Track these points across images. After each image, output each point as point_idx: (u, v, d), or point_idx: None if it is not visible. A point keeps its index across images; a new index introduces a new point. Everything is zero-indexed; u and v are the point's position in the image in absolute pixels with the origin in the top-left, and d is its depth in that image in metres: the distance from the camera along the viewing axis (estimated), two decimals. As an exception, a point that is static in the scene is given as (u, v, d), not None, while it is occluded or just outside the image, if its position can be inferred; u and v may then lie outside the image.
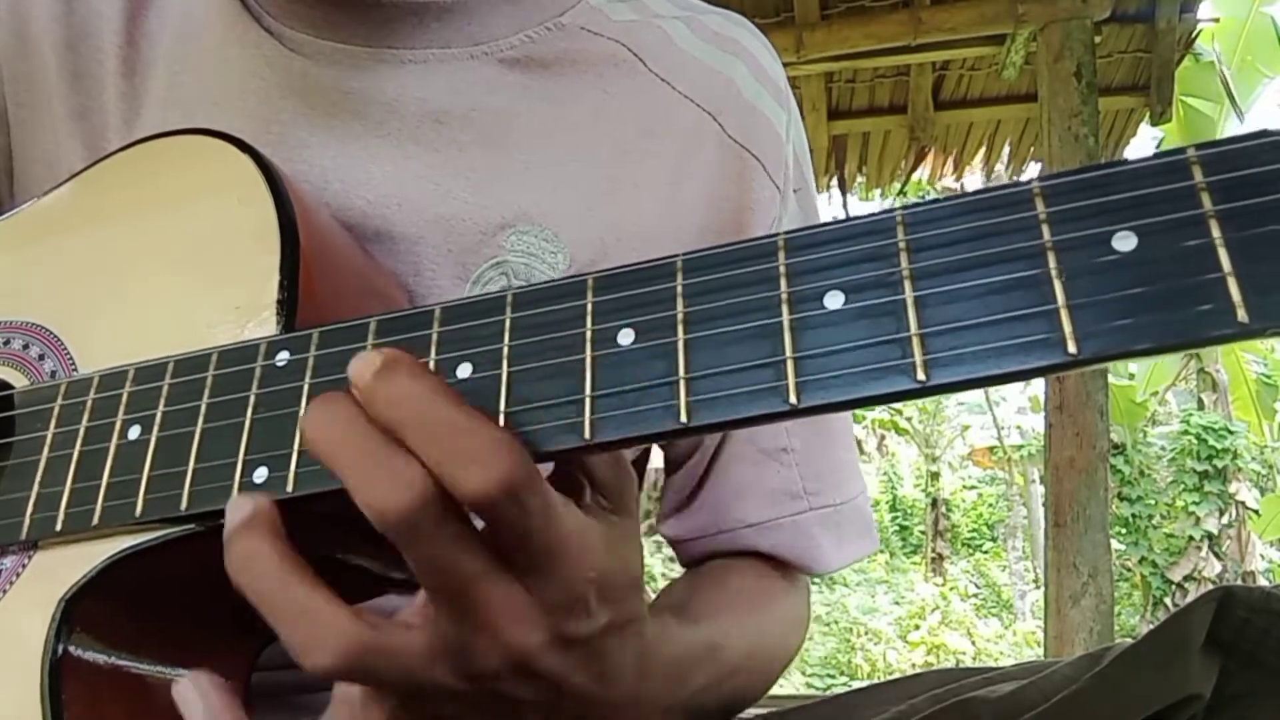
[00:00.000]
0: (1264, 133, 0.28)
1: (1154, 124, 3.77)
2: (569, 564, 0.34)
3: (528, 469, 0.32)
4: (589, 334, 0.34)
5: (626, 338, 0.34)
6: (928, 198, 0.39)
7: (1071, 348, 0.28)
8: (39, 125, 0.60)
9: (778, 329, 0.32)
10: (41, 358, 0.48)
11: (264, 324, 0.43)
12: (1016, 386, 11.83)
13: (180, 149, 0.50)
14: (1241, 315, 0.26)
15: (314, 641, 0.32)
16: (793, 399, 0.31)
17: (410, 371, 0.32)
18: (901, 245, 0.31)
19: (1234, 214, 0.27)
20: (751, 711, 0.58)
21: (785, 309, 0.32)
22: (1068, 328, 0.28)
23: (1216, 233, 0.27)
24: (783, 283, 0.32)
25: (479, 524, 0.33)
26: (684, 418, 0.32)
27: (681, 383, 0.33)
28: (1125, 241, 0.28)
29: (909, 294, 0.31)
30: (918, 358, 0.30)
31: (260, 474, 0.38)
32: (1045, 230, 0.29)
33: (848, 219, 0.33)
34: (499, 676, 0.35)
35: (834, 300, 0.32)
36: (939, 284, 0.30)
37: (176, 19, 0.60)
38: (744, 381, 0.32)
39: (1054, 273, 0.29)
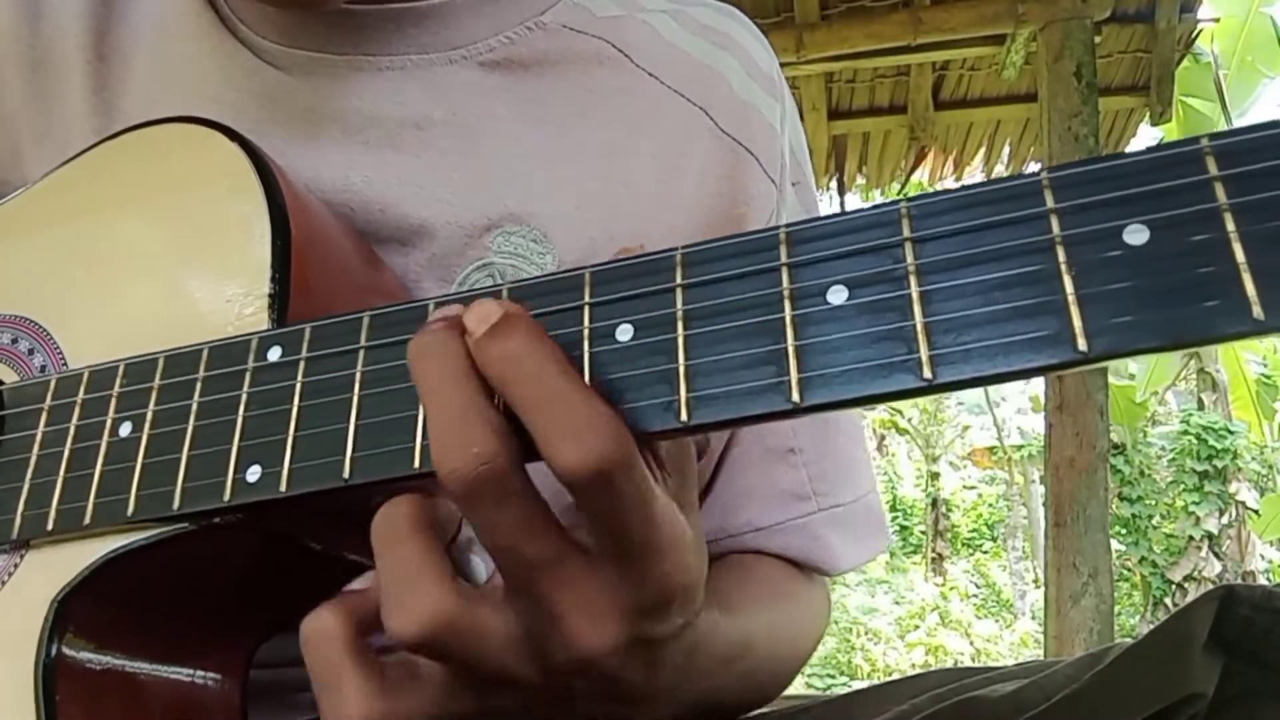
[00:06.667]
0: (1277, 123, 0.27)
1: (1154, 124, 3.77)
2: (664, 561, 0.33)
3: (625, 451, 0.31)
4: (586, 330, 0.34)
5: (625, 334, 0.33)
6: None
7: (1082, 345, 0.27)
8: (3, 147, 0.60)
9: (780, 325, 0.31)
10: (31, 352, 0.48)
11: (256, 317, 0.43)
12: (1017, 386, 11.84)
13: (167, 137, 0.50)
14: (1257, 312, 0.26)
15: (404, 605, 0.32)
16: (795, 397, 0.30)
17: (529, 331, 0.32)
18: (906, 238, 0.31)
19: (1250, 207, 0.26)
20: (753, 711, 0.58)
21: (787, 304, 0.31)
22: (1078, 324, 0.27)
23: (1231, 226, 0.26)
24: (785, 278, 0.32)
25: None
26: (684, 416, 0.31)
27: (681, 380, 0.32)
28: (1137, 235, 0.28)
29: (914, 289, 0.30)
30: (924, 354, 0.29)
31: (254, 472, 0.38)
32: (1054, 223, 0.29)
33: (851, 211, 0.32)
34: (565, 673, 0.34)
35: (837, 296, 0.31)
36: (945, 279, 0.30)
37: (150, 32, 0.59)
38: (745, 379, 0.31)
39: (1063, 267, 0.28)
